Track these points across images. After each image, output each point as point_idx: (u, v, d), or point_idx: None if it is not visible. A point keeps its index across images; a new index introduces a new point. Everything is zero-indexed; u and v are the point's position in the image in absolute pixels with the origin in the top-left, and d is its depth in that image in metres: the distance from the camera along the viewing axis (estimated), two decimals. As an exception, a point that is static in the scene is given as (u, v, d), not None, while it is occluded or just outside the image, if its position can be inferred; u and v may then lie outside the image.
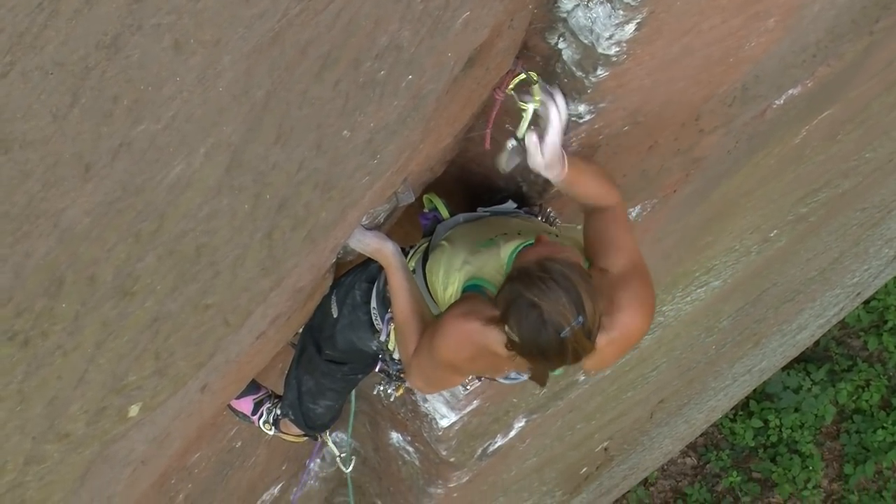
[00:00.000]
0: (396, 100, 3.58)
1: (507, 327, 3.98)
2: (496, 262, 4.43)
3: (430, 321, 4.53)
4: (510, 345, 4.02)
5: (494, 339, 4.12)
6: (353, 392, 5.82)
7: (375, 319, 4.97)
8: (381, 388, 5.24)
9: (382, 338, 4.97)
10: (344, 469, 6.33)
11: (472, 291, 4.40)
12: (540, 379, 4.17)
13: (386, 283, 4.85)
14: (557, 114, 4.40)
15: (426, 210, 5.07)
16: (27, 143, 2.51)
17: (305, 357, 5.30)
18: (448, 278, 4.55)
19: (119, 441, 3.71)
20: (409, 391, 6.88)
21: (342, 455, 6.34)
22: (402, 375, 5.21)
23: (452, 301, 4.48)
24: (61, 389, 3.25)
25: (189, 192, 3.08)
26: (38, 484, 3.54)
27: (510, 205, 5.01)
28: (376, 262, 4.91)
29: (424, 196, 5.06)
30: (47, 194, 2.67)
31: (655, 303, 4.47)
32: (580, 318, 3.87)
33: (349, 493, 7.16)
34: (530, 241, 4.37)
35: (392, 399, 5.37)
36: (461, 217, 4.91)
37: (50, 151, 2.58)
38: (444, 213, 4.98)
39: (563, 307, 3.86)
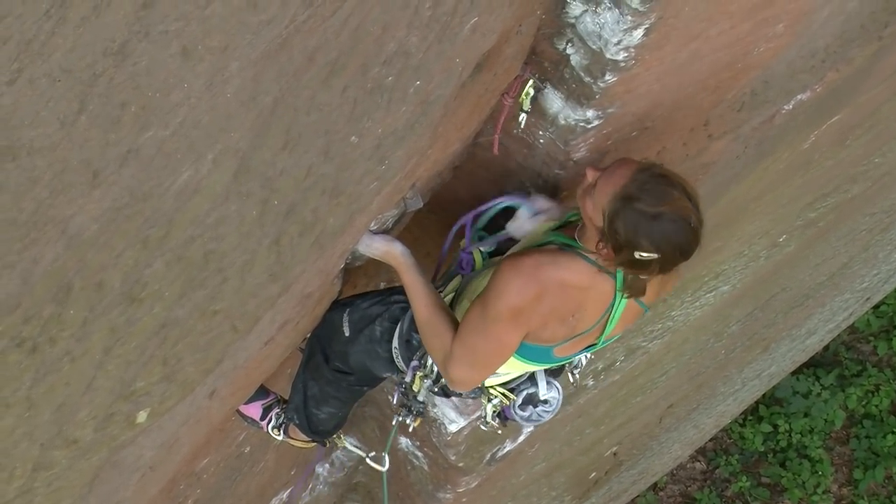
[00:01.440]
0: (404, 105, 3.58)
1: (637, 254, 3.99)
2: (534, 236, 4.52)
3: (453, 315, 4.51)
4: (643, 268, 4.05)
5: (563, 262, 4.19)
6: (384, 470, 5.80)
7: (397, 359, 4.95)
8: (400, 419, 5.20)
9: (407, 379, 4.94)
10: (381, 468, 6.24)
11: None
12: (639, 290, 4.22)
13: (410, 327, 4.83)
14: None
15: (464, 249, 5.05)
16: (35, 149, 2.52)
17: (313, 363, 5.29)
18: (481, 285, 4.52)
19: (127, 447, 3.71)
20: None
21: (371, 455, 6.24)
22: (422, 410, 5.19)
23: None
24: (69, 396, 3.25)
25: (197, 198, 3.08)
26: (46, 490, 3.54)
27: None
28: (397, 300, 4.91)
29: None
30: (55, 201, 2.68)
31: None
32: (693, 203, 3.99)
33: (383, 491, 7.12)
34: (562, 221, 4.47)
35: (410, 429, 5.36)
36: (485, 264, 4.92)
37: (57, 158, 2.59)
38: (479, 264, 4.96)
39: (679, 200, 3.96)
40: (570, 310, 4.28)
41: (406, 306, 4.84)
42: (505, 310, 4.21)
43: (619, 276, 4.19)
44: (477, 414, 5.08)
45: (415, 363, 4.86)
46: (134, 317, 3.22)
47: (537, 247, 4.37)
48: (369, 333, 4.96)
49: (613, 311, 4.34)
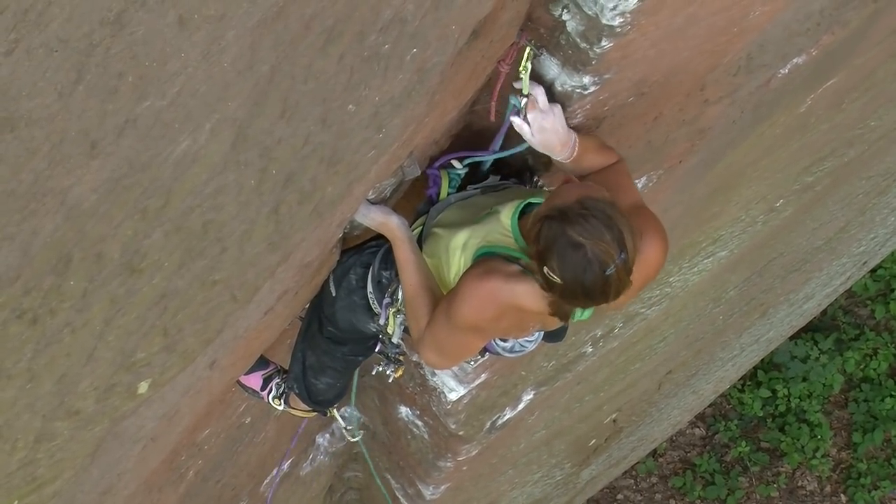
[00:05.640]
0: (401, 73, 3.57)
1: (546, 269, 3.95)
2: (499, 227, 4.42)
3: (440, 294, 4.52)
4: (549, 286, 4.00)
5: (521, 291, 4.14)
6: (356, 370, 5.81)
7: (373, 303, 4.96)
8: (380, 369, 5.23)
9: (381, 321, 4.96)
10: (351, 439, 6.35)
11: (484, 257, 4.38)
12: (564, 316, 4.17)
13: (381, 267, 4.86)
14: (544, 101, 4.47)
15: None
16: (33, 120, 2.52)
17: (310, 332, 5.31)
18: (451, 259, 4.54)
19: (129, 418, 3.72)
20: (417, 366, 6.89)
21: (349, 428, 6.36)
22: (400, 358, 5.20)
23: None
24: (70, 367, 3.26)
25: (195, 167, 3.08)
26: (49, 461, 3.55)
27: (493, 179, 4.99)
28: (370, 246, 4.92)
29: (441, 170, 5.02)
30: (53, 172, 2.68)
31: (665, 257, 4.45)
32: (623, 255, 3.87)
33: (367, 460, 7.19)
34: (527, 202, 4.38)
35: (391, 380, 5.37)
36: (452, 198, 4.89)
37: (55, 129, 2.59)
38: (444, 193, 4.94)
39: (607, 244, 3.85)
40: (529, 324, 4.37)
41: (376, 250, 4.87)
42: (464, 323, 4.28)
43: None
44: None
45: (387, 300, 4.89)
46: (134, 287, 3.23)
47: (505, 258, 4.33)
48: (347, 285, 4.99)
49: (577, 316, 4.35)
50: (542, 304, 4.16)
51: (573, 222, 3.88)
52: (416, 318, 4.55)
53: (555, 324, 4.45)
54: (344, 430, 6.34)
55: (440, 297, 4.49)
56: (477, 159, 4.95)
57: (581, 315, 4.38)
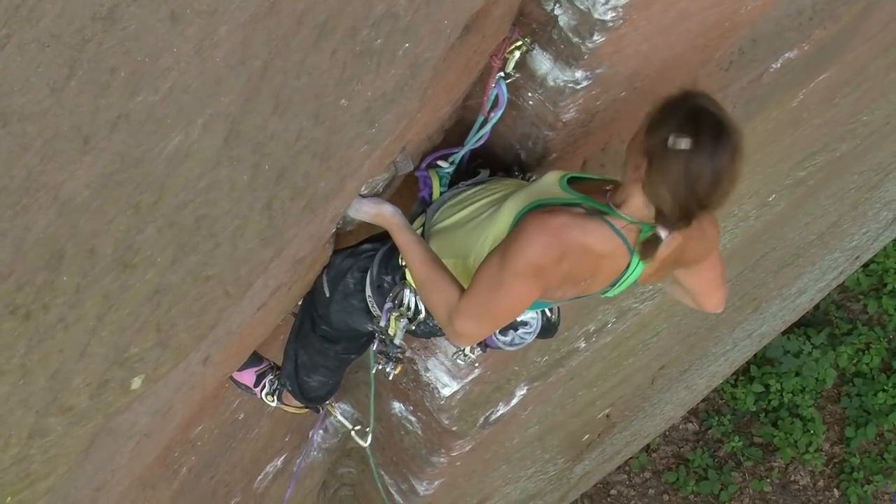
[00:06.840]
0: (393, 68, 3.57)
1: (672, 137, 3.84)
2: (542, 187, 4.37)
3: (450, 272, 4.44)
4: (662, 163, 3.90)
5: (591, 228, 4.10)
6: (373, 378, 5.78)
7: (372, 307, 4.93)
8: (380, 367, 5.20)
9: (382, 323, 4.92)
10: (363, 443, 6.39)
11: (539, 207, 4.28)
12: (650, 250, 4.15)
13: (380, 271, 4.82)
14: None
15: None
16: (25, 116, 2.52)
17: (302, 331, 5.29)
18: (480, 236, 4.46)
19: (122, 413, 3.72)
20: (410, 362, 6.90)
21: (356, 428, 6.38)
22: (400, 356, 5.17)
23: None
24: (64, 363, 3.26)
25: (188, 163, 3.08)
26: (42, 457, 3.55)
27: (485, 174, 4.97)
28: (366, 250, 4.89)
29: (430, 170, 5.00)
30: (46, 167, 2.68)
31: None
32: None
33: (370, 463, 7.22)
34: (572, 175, 4.36)
35: (390, 377, 5.36)
36: (446, 196, 4.85)
37: (48, 124, 2.59)
38: (437, 192, 4.91)
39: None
40: (585, 275, 4.24)
41: (374, 254, 4.84)
42: (527, 266, 4.11)
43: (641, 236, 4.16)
44: (453, 350, 5.05)
45: (388, 305, 4.84)
46: (127, 283, 3.23)
47: (563, 205, 4.25)
48: (343, 289, 4.95)
49: (625, 278, 4.32)
50: (607, 245, 4.13)
51: (685, 100, 3.92)
52: (440, 292, 4.39)
53: (601, 284, 4.36)
54: (353, 434, 6.36)
55: (451, 275, 4.41)
56: (464, 152, 4.95)
57: (616, 289, 4.42)
